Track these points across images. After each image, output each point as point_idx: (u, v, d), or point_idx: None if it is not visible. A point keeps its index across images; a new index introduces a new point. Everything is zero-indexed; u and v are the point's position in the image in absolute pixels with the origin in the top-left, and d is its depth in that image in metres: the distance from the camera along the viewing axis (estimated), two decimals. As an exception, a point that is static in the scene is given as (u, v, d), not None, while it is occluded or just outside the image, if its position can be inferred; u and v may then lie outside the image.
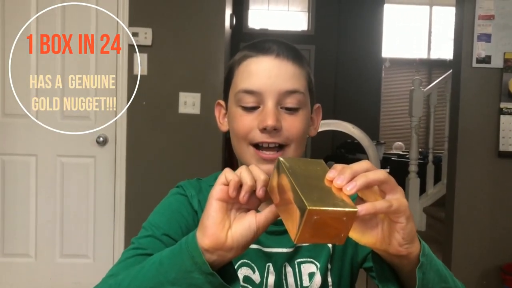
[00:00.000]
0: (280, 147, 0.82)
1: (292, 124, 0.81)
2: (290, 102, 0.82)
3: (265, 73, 0.82)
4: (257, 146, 0.82)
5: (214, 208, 0.61)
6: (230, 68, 0.88)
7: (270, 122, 0.79)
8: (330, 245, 0.85)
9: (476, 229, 2.77)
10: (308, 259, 0.85)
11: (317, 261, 0.85)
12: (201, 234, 0.61)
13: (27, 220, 2.83)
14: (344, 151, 5.68)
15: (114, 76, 2.79)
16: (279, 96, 0.81)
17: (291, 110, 0.82)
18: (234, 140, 0.86)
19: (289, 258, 0.84)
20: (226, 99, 0.89)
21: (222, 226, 0.60)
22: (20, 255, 2.82)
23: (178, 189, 0.89)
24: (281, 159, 0.62)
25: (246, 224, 0.62)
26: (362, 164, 0.59)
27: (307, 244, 0.83)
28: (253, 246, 0.81)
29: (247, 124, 0.82)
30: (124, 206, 2.82)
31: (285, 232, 0.81)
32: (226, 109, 0.89)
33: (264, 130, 0.80)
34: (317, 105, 0.91)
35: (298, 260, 0.85)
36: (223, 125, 0.91)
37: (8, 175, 2.83)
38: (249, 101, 0.82)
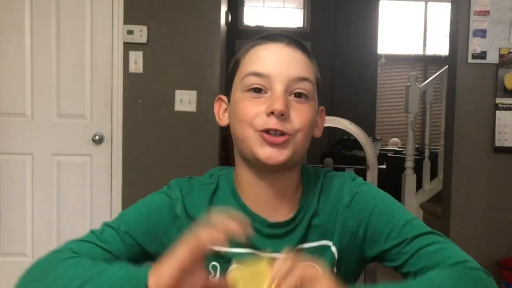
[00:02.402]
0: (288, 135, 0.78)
1: (300, 112, 0.77)
2: (300, 88, 0.78)
3: (275, 58, 0.79)
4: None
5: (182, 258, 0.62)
6: (235, 61, 0.84)
7: (278, 105, 0.74)
8: (334, 249, 0.82)
9: (473, 224, 2.78)
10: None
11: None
12: (155, 280, 0.62)
13: (23, 219, 2.82)
14: (340, 147, 5.69)
15: (109, 74, 2.79)
16: (289, 82, 0.77)
17: (300, 98, 0.78)
18: (237, 127, 0.80)
19: None
20: (228, 94, 0.85)
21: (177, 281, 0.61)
22: (17, 254, 2.81)
23: (165, 189, 0.86)
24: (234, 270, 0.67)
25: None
26: (281, 269, 0.60)
27: (308, 246, 0.81)
28: (247, 250, 0.79)
29: (253, 109, 0.77)
30: (121, 205, 2.82)
31: (284, 235, 0.80)
32: (228, 104, 0.85)
33: (271, 114, 0.75)
34: (322, 107, 0.88)
35: None
36: (222, 120, 0.86)
37: (4, 174, 2.82)
38: (257, 82, 0.77)
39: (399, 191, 4.24)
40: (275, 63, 0.78)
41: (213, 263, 0.80)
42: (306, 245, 0.82)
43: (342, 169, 1.70)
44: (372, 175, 1.33)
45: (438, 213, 3.53)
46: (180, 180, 0.86)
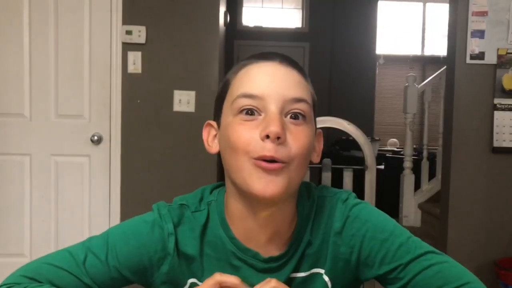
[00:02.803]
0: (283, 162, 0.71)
1: (296, 136, 0.71)
2: (297, 108, 0.72)
3: (268, 77, 0.73)
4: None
5: None
6: (224, 83, 0.78)
7: (273, 127, 0.68)
8: (327, 278, 0.79)
9: (471, 224, 2.79)
10: None
11: None
12: None
13: (21, 220, 2.82)
14: (338, 148, 5.69)
15: (108, 74, 2.79)
16: (284, 103, 0.71)
17: (297, 119, 0.72)
18: (228, 156, 0.73)
19: None
20: (218, 118, 0.78)
21: None
22: (15, 255, 2.81)
23: (157, 217, 0.78)
24: None
25: None
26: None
27: (300, 276, 0.79)
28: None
29: (246, 134, 0.70)
30: (119, 205, 2.82)
31: (277, 268, 0.77)
32: (217, 130, 0.79)
33: (266, 138, 0.69)
34: (319, 130, 0.82)
35: None
36: (212, 147, 0.79)
37: (2, 175, 2.81)
38: (249, 104, 0.71)
39: (398, 192, 4.25)
40: (268, 83, 0.72)
41: None
42: (298, 275, 0.79)
43: (341, 170, 1.70)
44: (371, 175, 1.33)
45: (436, 213, 3.54)
46: (172, 208, 0.80)
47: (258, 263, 0.77)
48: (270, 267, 0.77)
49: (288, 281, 0.78)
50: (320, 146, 0.82)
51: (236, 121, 0.72)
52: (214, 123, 0.80)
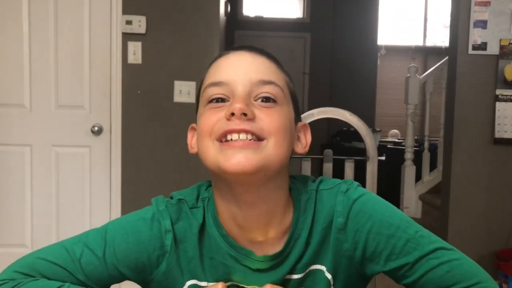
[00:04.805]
0: (256, 140, 0.68)
1: (269, 114, 0.69)
2: (266, 91, 0.70)
3: (235, 64, 0.72)
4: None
5: None
6: (200, 82, 0.77)
7: (237, 104, 0.66)
8: (329, 276, 0.76)
9: (471, 215, 2.79)
10: None
11: None
12: None
13: (22, 210, 2.82)
14: (339, 139, 5.69)
15: (108, 64, 2.77)
16: (252, 86, 0.70)
17: (268, 102, 0.70)
18: (199, 145, 0.73)
19: None
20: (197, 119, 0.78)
21: None
22: (16, 245, 2.82)
23: (155, 212, 0.77)
24: None
25: None
26: None
27: (298, 277, 0.76)
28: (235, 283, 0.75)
29: (212, 117, 0.70)
30: (120, 196, 2.82)
31: (273, 267, 0.75)
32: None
33: (231, 116, 0.67)
34: (303, 122, 0.80)
35: None
36: (194, 148, 0.78)
37: (3, 166, 2.81)
38: (217, 92, 0.71)
39: (399, 183, 4.25)
40: (236, 69, 0.71)
41: None
42: (294, 276, 0.76)
43: (342, 161, 1.69)
44: (372, 166, 1.33)
45: (437, 204, 3.54)
46: (170, 204, 0.78)
47: (252, 263, 0.74)
48: (265, 267, 0.74)
49: (285, 281, 0.75)
50: (306, 138, 0.79)
51: (206, 110, 0.72)
52: (196, 127, 0.79)
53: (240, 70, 0.71)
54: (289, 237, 0.75)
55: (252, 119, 0.67)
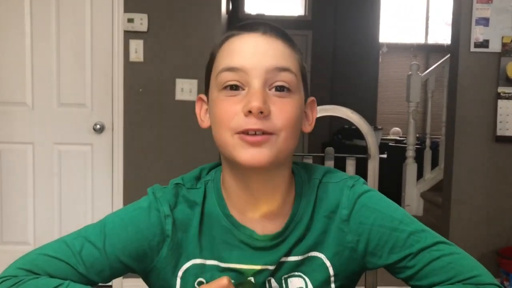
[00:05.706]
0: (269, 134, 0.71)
1: (282, 108, 0.71)
2: (281, 80, 0.72)
3: (250, 50, 0.72)
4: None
5: None
6: (210, 56, 0.78)
7: (255, 103, 0.68)
8: (328, 264, 0.78)
9: (473, 213, 2.79)
10: (296, 273, 0.78)
11: (306, 276, 0.78)
12: None
13: (24, 208, 2.83)
14: (341, 137, 5.69)
15: (110, 62, 2.78)
16: (267, 74, 0.71)
17: (282, 91, 0.72)
18: (215, 131, 0.75)
19: (273, 274, 0.78)
20: (207, 93, 0.79)
21: None
22: (19, 243, 2.83)
23: (152, 199, 0.79)
24: None
25: None
26: None
27: (295, 260, 0.78)
28: (233, 265, 0.77)
29: (229, 108, 0.71)
30: (122, 194, 2.82)
31: (272, 247, 0.77)
32: (208, 104, 0.79)
33: (249, 113, 0.69)
34: (312, 98, 0.81)
35: (285, 276, 0.78)
36: (204, 122, 0.80)
37: (5, 164, 2.82)
38: (232, 79, 0.72)
39: (400, 180, 4.25)
40: (250, 55, 0.72)
41: (200, 279, 0.78)
42: (292, 259, 0.78)
43: (343, 159, 1.70)
44: (373, 164, 1.33)
45: (438, 202, 3.54)
46: (167, 190, 0.80)
47: (253, 242, 0.77)
48: (265, 246, 0.77)
49: (281, 263, 0.77)
50: (313, 114, 0.81)
51: (220, 97, 0.73)
52: (205, 98, 0.80)
53: (255, 57, 0.72)
54: (289, 219, 0.78)
55: (267, 115, 0.70)
